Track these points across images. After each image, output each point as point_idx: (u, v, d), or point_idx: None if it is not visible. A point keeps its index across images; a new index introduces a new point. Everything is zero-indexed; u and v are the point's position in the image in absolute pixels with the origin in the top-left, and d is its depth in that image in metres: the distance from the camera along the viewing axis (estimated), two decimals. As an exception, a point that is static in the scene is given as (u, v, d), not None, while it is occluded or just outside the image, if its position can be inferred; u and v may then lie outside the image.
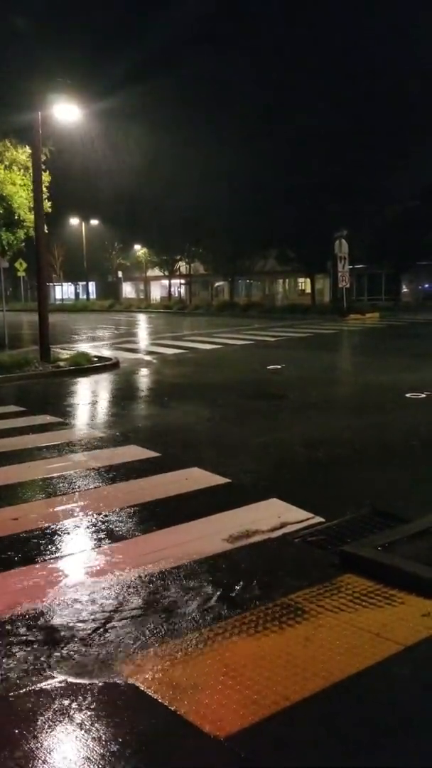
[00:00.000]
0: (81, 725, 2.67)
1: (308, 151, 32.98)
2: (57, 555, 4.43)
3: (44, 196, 16.20)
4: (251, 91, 34.46)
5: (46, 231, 16.84)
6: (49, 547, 4.57)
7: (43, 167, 16.22)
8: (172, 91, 34.40)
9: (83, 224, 53.55)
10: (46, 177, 16.87)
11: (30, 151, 16.44)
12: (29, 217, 17.52)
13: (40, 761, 2.47)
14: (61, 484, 6.03)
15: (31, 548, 4.54)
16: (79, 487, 5.94)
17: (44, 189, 16.28)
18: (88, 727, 2.66)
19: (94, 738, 2.59)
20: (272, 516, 4.94)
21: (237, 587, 3.84)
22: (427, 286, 45.59)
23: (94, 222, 54.94)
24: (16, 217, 18.06)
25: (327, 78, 31.67)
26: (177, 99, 35.40)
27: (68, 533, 4.83)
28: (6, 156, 18.02)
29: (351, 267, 32.06)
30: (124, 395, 11.31)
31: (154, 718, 2.71)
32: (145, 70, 34.42)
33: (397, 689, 2.88)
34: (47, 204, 17.01)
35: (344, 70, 31.60)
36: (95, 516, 5.13)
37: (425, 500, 5.16)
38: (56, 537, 4.75)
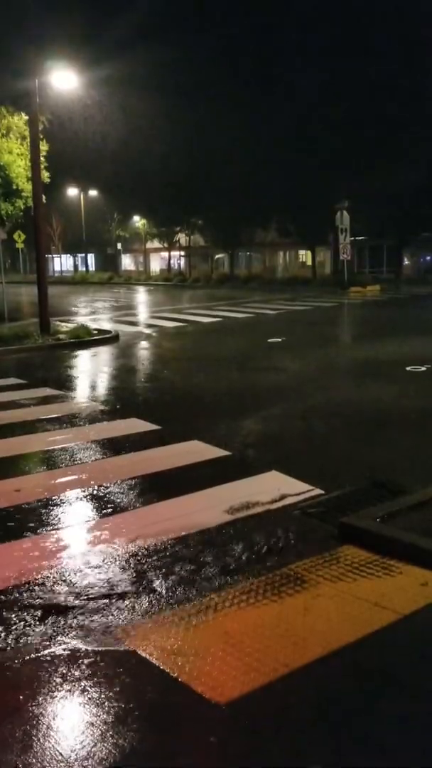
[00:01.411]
0: (84, 691, 2.73)
1: (310, 122, 32.44)
2: (59, 526, 4.47)
3: (42, 166, 15.96)
4: (252, 59, 33.74)
5: (44, 201, 16.63)
6: (52, 518, 4.61)
7: (41, 136, 15.94)
8: (171, 59, 33.57)
9: (82, 195, 52.88)
10: (43, 146, 16.60)
11: (27, 118, 16.14)
12: (27, 187, 17.27)
13: (44, 726, 2.53)
14: (62, 457, 6.06)
15: (34, 519, 4.58)
16: (80, 459, 5.97)
17: (42, 158, 16.03)
18: (91, 693, 2.71)
19: (96, 703, 2.64)
20: (272, 488, 4.98)
21: (237, 558, 3.88)
22: (428, 258, 45.24)
23: (93, 193, 54.22)
24: (14, 187, 17.80)
25: (329, 48, 30.98)
26: (176, 67, 34.61)
27: (70, 504, 4.87)
28: (2, 123, 17.69)
29: (352, 239, 31.79)
30: (124, 368, 11.31)
31: (156, 684, 2.76)
32: (144, 36, 33.64)
33: (395, 657, 2.93)
34: (45, 174, 16.78)
35: (349, 38, 30.84)
36: (97, 488, 5.16)
37: (424, 472, 5.19)
38: (58, 508, 4.79)
